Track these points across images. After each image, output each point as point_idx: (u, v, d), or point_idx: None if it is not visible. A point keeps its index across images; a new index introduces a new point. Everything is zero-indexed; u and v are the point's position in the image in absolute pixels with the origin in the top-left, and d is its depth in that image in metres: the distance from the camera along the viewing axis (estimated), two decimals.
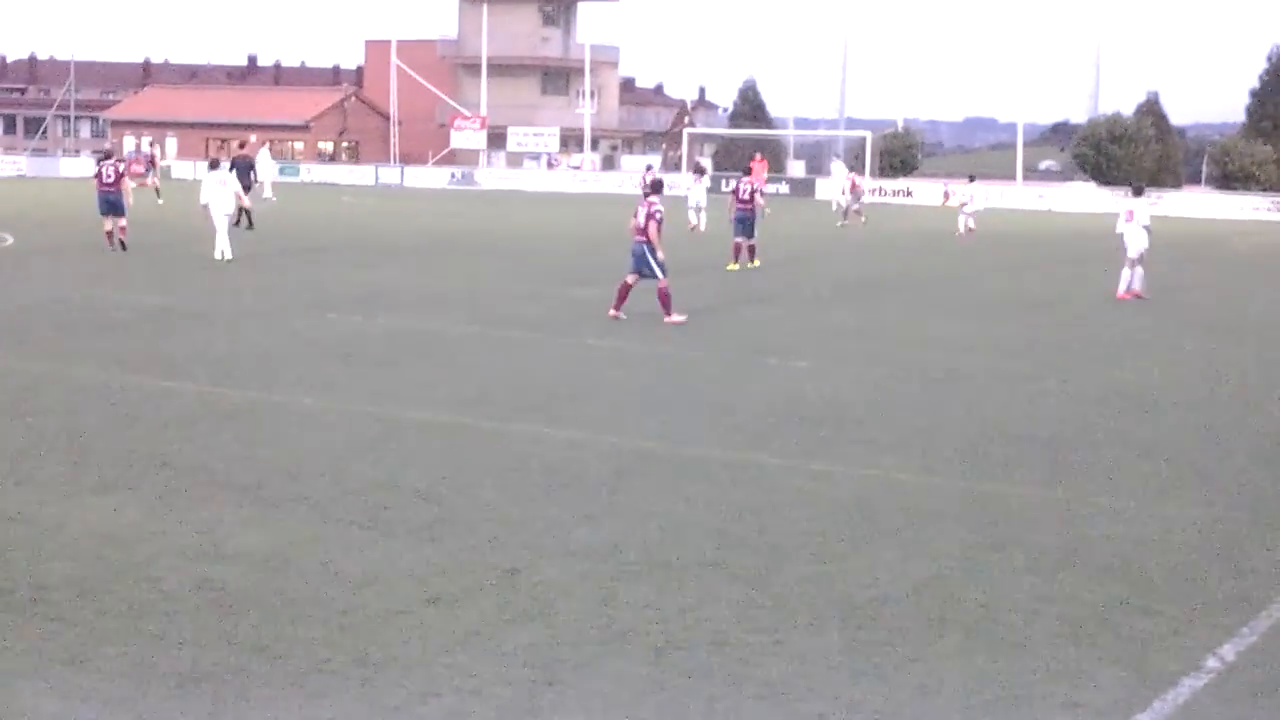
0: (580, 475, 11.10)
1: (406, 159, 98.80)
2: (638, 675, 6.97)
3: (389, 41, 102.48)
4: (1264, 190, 75.66)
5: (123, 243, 31.20)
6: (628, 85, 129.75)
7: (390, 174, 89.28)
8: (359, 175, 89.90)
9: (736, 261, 30.26)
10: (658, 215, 20.64)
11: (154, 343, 17.77)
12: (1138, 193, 28.33)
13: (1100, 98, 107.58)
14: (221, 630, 7.35)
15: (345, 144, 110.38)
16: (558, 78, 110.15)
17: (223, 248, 29.14)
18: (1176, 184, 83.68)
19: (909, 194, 78.46)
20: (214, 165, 31.69)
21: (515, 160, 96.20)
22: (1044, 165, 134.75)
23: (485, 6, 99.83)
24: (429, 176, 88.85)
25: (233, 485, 10.48)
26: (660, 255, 20.64)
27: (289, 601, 7.85)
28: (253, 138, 54.46)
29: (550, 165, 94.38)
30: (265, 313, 21.22)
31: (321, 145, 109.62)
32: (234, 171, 34.30)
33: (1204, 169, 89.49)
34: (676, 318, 20.60)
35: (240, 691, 6.57)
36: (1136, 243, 26.21)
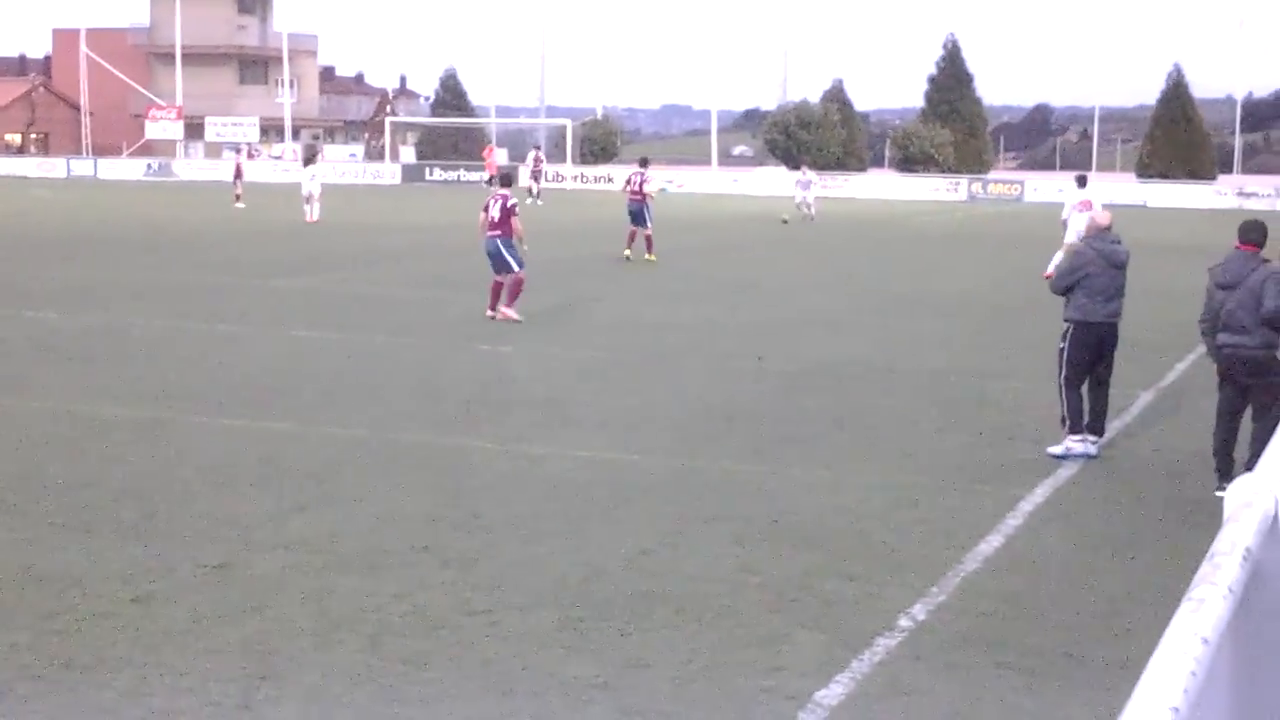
0: (291, 467, 11.01)
1: (100, 151, 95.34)
2: (354, 664, 7.00)
3: (78, 30, 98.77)
4: (943, 172, 78.96)
5: None
6: (327, 74, 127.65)
7: (83, 166, 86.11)
8: (50, 168, 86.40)
9: (630, 249, 30.56)
10: (515, 208, 20.02)
11: None
12: (1082, 183, 28.62)
13: (789, 86, 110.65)
14: None
15: (34, 135, 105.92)
16: (255, 67, 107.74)
17: None
18: (861, 167, 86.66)
19: (610, 180, 79.32)
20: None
21: (214, 151, 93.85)
22: (737, 151, 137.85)
23: None
24: (124, 168, 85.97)
25: None
26: (524, 247, 20.13)
27: None
28: None
29: (251, 155, 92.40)
30: None
31: (9, 137, 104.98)
32: None
33: (887, 152, 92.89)
34: (515, 314, 19.81)
35: None
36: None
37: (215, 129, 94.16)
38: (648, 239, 30.53)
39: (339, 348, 17.41)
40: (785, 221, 45.46)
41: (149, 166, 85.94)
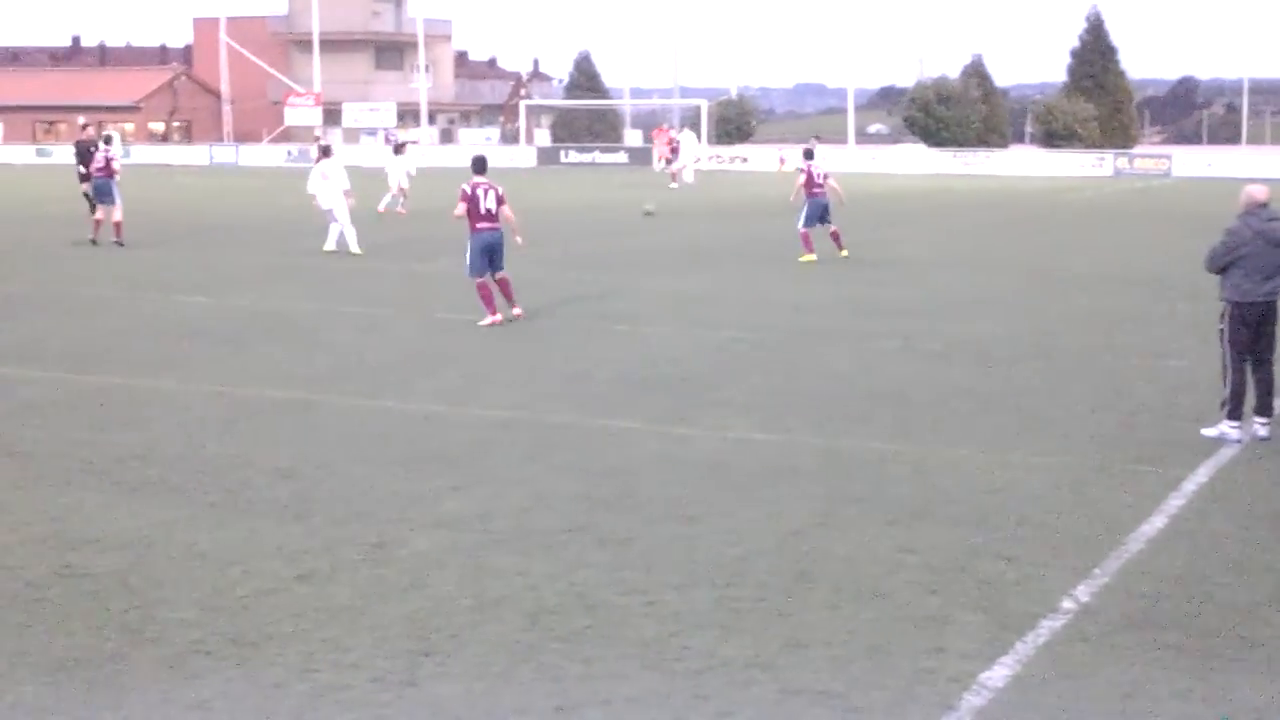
0: (443, 447, 11.11)
1: (241, 137, 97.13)
2: (514, 641, 7.03)
3: (218, 19, 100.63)
4: (1087, 147, 77.56)
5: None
6: (461, 59, 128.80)
7: (225, 153, 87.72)
8: (192, 155, 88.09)
9: (811, 252, 26.05)
10: (504, 196, 17.96)
11: None
12: None
13: (926, 61, 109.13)
14: (90, 616, 7.27)
15: (177, 124, 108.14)
16: (391, 52, 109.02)
17: (335, 240, 27.23)
18: (1003, 143, 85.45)
19: (745, 160, 79.10)
20: (325, 153, 29.34)
21: (352, 136, 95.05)
22: (873, 129, 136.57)
23: None
24: (264, 155, 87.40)
25: (88, 470, 10.32)
26: (517, 239, 18.45)
27: (157, 584, 7.78)
28: (81, 120, 53.06)
29: (387, 140, 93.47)
30: (110, 297, 20.80)
31: (152, 126, 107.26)
32: (76, 155, 33.06)
33: (1028, 128, 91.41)
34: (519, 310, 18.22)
35: (114, 677, 6.51)
36: None
37: (352, 114, 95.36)
38: (834, 235, 26.59)
39: (482, 330, 17.51)
40: (649, 213, 40.35)
41: (289, 153, 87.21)
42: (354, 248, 26.97)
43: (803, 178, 26.64)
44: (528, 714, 6.22)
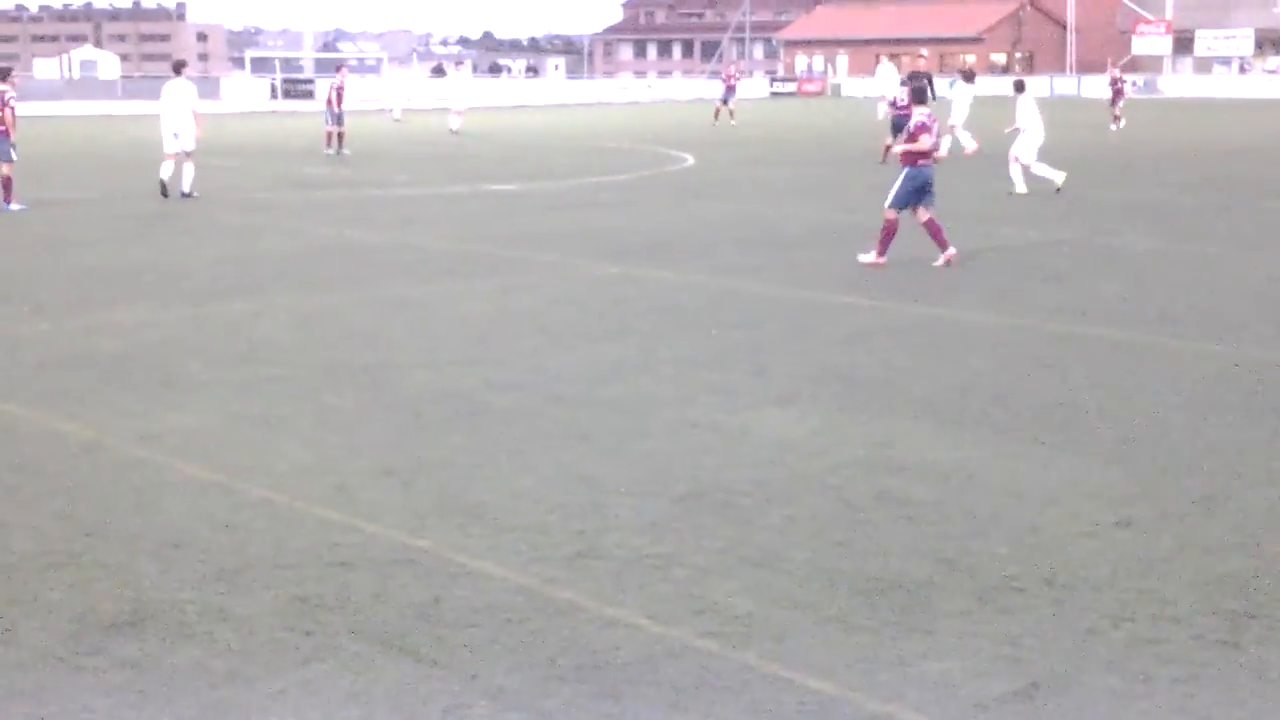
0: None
1: (1084, 69, 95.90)
2: None
3: None
4: None
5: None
6: None
7: (1065, 84, 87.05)
8: (1033, 86, 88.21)
9: None
10: (918, 129, 16.73)
11: (826, 258, 18.07)
12: None
13: None
14: (905, 541, 7.33)
15: (1019, 55, 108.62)
16: None
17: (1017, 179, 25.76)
18: None
19: None
20: (969, 78, 29.33)
21: (1203, 65, 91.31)
22: None
23: None
24: (1107, 86, 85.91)
25: (907, 399, 10.46)
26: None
27: (972, 516, 7.73)
28: (924, 53, 54.34)
29: (1242, 70, 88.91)
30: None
31: (994, 57, 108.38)
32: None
33: None
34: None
35: (927, 601, 6.51)
36: None
37: (1204, 43, 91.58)
38: None
39: None
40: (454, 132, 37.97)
41: (1134, 84, 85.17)
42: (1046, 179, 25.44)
43: None
44: None
